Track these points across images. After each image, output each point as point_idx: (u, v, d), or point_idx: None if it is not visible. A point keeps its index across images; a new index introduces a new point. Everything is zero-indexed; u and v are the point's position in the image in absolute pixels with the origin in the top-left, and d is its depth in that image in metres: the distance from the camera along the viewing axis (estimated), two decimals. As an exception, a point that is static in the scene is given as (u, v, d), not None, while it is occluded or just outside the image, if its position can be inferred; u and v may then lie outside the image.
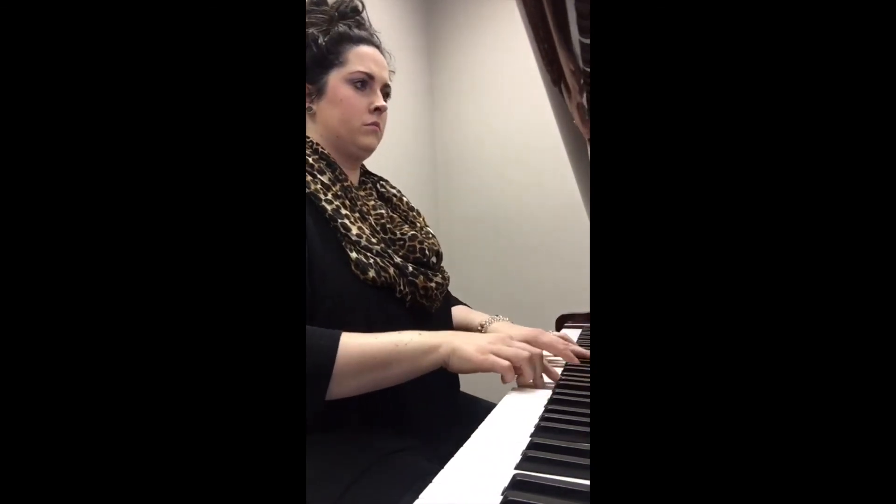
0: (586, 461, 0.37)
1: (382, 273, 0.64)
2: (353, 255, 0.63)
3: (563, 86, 0.49)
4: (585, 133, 0.56)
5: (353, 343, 0.55)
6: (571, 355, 0.71)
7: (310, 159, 0.68)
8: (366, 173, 0.82)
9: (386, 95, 0.76)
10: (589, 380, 0.63)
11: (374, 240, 0.66)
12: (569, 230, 2.01)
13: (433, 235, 0.77)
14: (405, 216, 0.79)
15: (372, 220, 0.69)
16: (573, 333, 1.04)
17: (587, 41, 0.37)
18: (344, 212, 0.66)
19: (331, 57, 0.71)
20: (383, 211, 0.73)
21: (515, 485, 0.35)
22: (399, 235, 0.70)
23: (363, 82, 0.72)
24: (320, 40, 0.71)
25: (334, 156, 0.72)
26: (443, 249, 0.78)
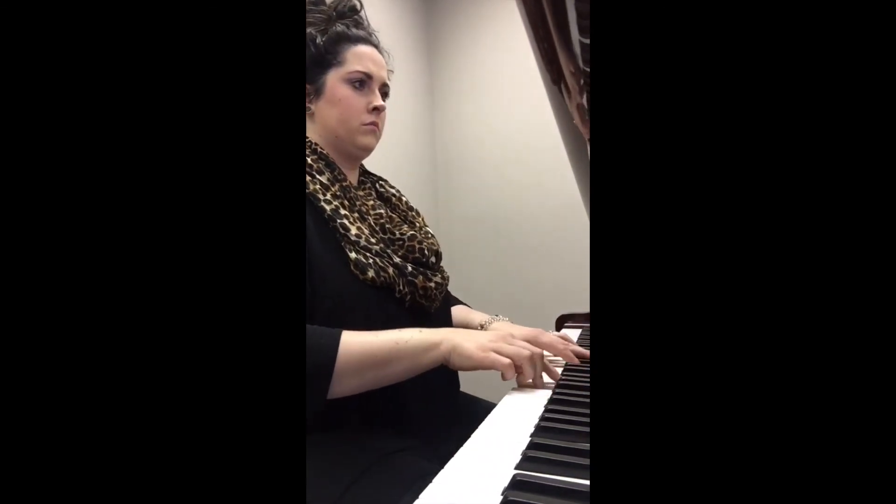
0: (586, 461, 0.37)
1: (382, 273, 0.64)
2: (353, 255, 0.63)
3: (562, 85, 0.49)
4: (585, 133, 0.56)
5: (353, 341, 0.55)
6: (571, 355, 0.71)
7: (308, 159, 0.68)
8: (365, 173, 0.82)
9: (384, 95, 0.76)
10: (589, 380, 0.63)
11: (373, 240, 0.66)
12: (569, 230, 2.01)
13: (432, 235, 0.77)
14: (404, 216, 0.79)
15: (371, 219, 0.69)
16: (573, 333, 1.04)
17: (587, 41, 0.37)
18: (343, 212, 0.66)
19: (329, 57, 0.71)
20: (382, 211, 0.73)
21: (515, 485, 0.35)
22: (398, 235, 0.70)
23: (361, 82, 0.72)
24: (318, 40, 0.71)
25: (333, 156, 0.72)
26: (443, 249, 0.78)
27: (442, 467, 0.40)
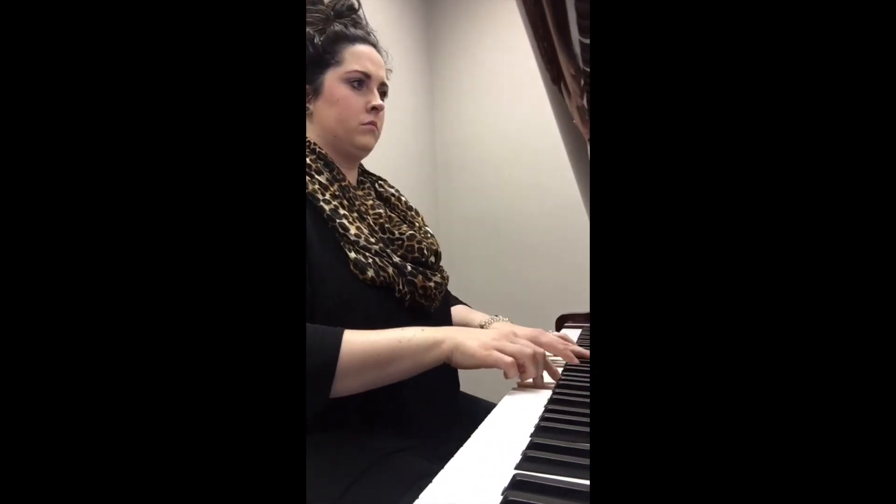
0: (586, 461, 0.37)
1: (381, 273, 0.64)
2: (352, 254, 0.63)
3: (562, 85, 0.49)
4: (585, 133, 0.56)
5: (356, 340, 0.55)
6: (571, 355, 0.71)
7: (307, 159, 0.68)
8: (364, 173, 0.82)
9: (383, 94, 0.76)
10: (589, 380, 0.63)
11: (372, 239, 0.66)
12: (569, 230, 2.01)
13: (432, 235, 0.77)
14: (403, 216, 0.79)
15: (370, 219, 0.69)
16: (573, 333, 1.05)
17: (587, 41, 0.37)
18: (342, 211, 0.66)
19: (327, 56, 0.71)
20: (382, 210, 0.73)
21: (515, 485, 0.35)
22: (397, 235, 0.70)
23: (360, 81, 0.72)
24: (316, 40, 0.71)
25: (332, 156, 0.72)
26: (443, 249, 0.78)
27: (442, 467, 0.39)
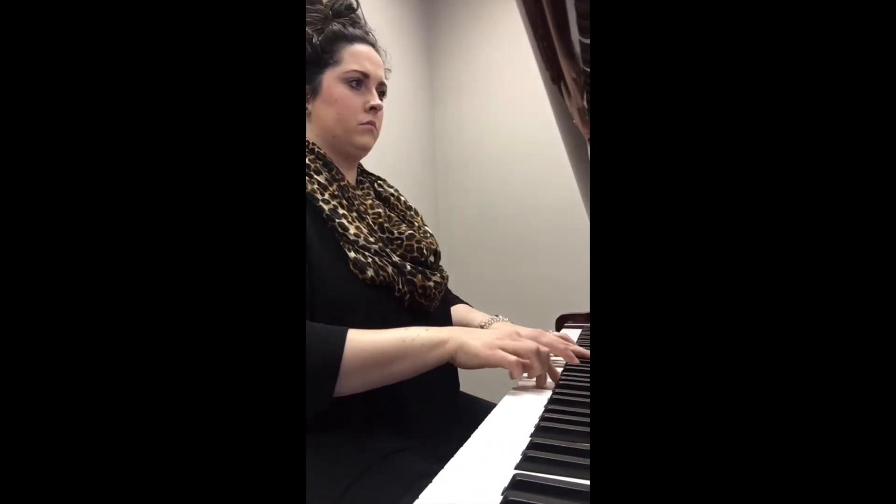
0: (586, 461, 0.37)
1: (381, 272, 0.64)
2: (352, 254, 0.63)
3: (562, 85, 0.49)
4: (585, 133, 0.56)
5: (359, 339, 0.55)
6: (571, 355, 0.71)
7: (306, 159, 0.68)
8: (363, 172, 0.82)
9: (382, 94, 0.76)
10: (589, 380, 0.63)
11: (371, 239, 0.66)
12: (569, 230, 2.01)
13: (431, 234, 0.77)
14: (403, 215, 0.79)
15: (370, 219, 0.69)
16: (573, 333, 1.05)
17: (587, 41, 0.37)
18: (341, 211, 0.66)
19: (325, 56, 0.71)
20: (381, 210, 0.73)
21: (515, 485, 0.35)
22: (397, 234, 0.70)
23: (358, 81, 0.72)
24: (315, 39, 0.71)
25: (331, 155, 0.72)
26: (443, 249, 0.78)
27: (442, 467, 0.40)
